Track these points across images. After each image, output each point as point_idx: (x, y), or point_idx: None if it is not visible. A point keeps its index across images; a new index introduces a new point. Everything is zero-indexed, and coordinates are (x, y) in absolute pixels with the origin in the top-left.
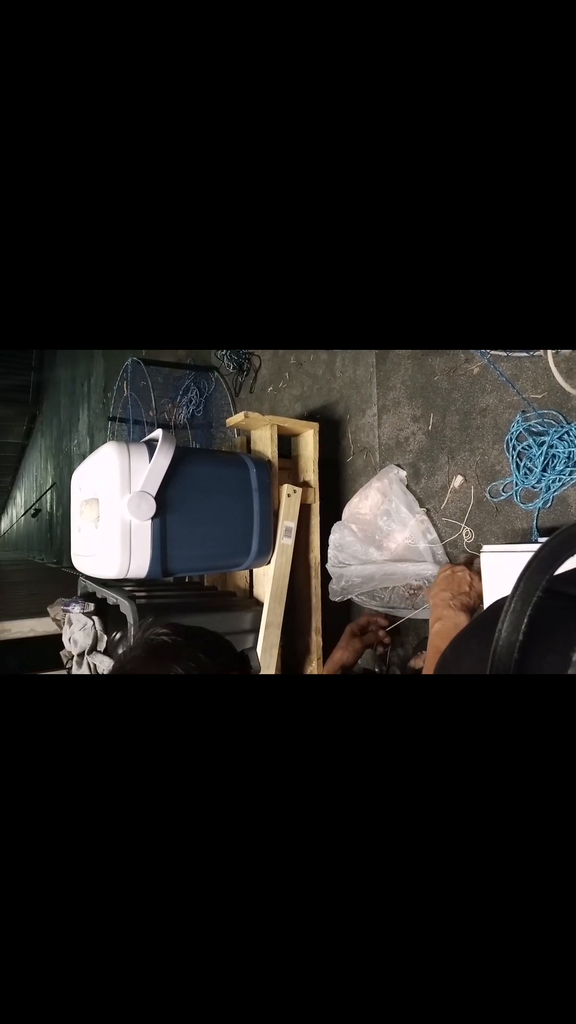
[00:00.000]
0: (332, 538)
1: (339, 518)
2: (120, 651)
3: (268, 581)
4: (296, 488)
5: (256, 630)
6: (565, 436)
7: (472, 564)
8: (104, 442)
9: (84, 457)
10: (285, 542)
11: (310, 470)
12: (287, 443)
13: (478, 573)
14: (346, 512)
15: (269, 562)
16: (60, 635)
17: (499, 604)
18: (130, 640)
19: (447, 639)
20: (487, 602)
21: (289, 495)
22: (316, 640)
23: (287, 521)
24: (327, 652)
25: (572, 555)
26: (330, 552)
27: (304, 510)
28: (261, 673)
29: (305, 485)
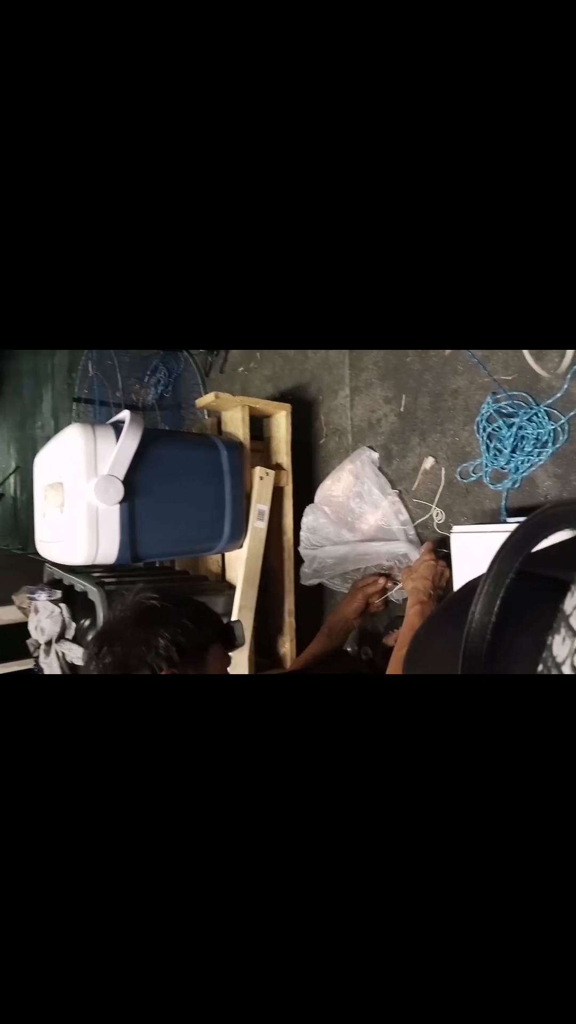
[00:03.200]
0: (305, 520)
1: (312, 500)
2: (96, 627)
3: (241, 565)
4: (268, 471)
5: (228, 614)
6: (534, 417)
7: (445, 544)
8: (69, 424)
9: (48, 440)
10: (258, 525)
11: (283, 452)
12: (259, 425)
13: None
14: (319, 494)
15: (242, 546)
16: (26, 623)
17: (472, 585)
18: (99, 626)
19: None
20: (456, 584)
21: (261, 478)
22: (289, 621)
23: (260, 504)
24: (300, 633)
25: (545, 538)
26: (303, 534)
27: (277, 493)
28: (240, 647)
29: (278, 467)
